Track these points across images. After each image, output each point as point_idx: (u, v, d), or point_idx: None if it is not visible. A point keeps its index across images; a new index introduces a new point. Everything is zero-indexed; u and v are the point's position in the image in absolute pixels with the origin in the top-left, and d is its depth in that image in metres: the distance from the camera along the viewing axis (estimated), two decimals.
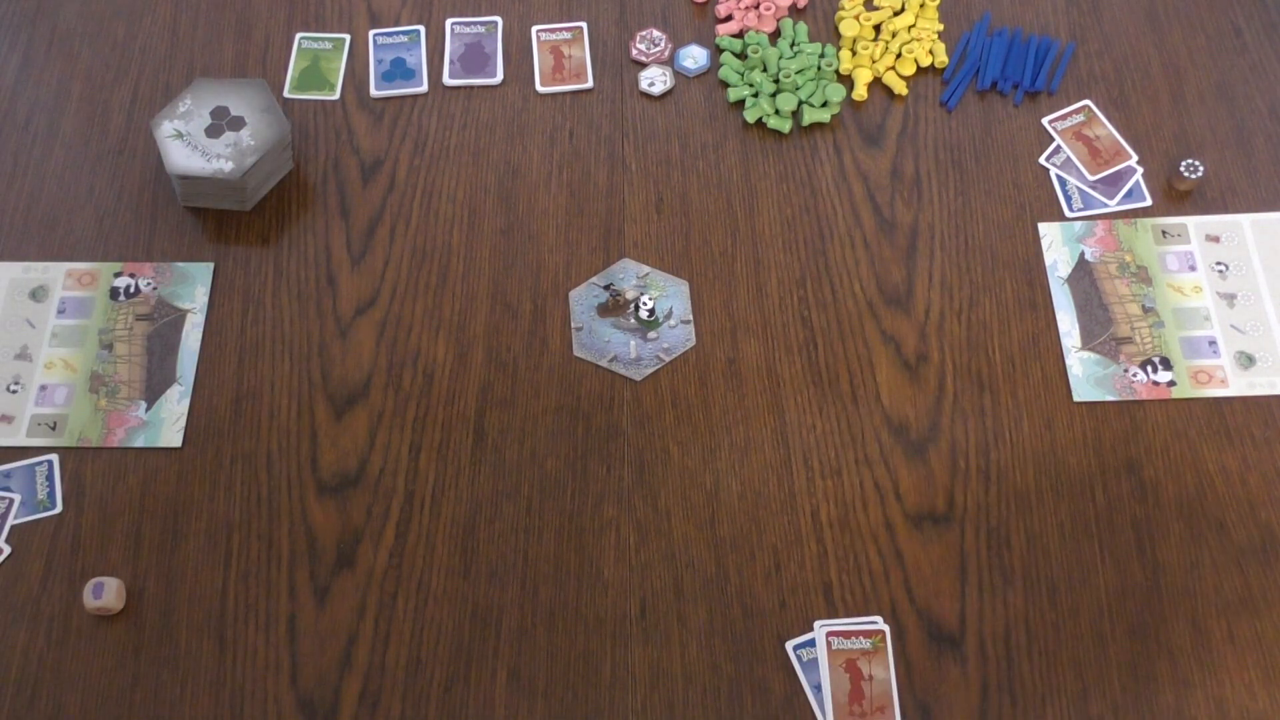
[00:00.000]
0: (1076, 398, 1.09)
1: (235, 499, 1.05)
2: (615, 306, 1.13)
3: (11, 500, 1.04)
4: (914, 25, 1.28)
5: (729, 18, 1.30)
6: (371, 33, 1.29)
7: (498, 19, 1.30)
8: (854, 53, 1.27)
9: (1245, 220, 1.17)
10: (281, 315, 1.13)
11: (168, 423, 1.08)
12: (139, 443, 1.07)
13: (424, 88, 1.26)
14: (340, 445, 1.07)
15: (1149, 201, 1.18)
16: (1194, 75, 1.26)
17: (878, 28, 1.29)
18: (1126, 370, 1.10)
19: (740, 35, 1.29)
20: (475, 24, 1.29)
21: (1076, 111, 1.24)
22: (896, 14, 1.29)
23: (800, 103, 1.23)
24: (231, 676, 0.98)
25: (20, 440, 1.07)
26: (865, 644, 0.98)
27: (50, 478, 1.05)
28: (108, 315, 1.13)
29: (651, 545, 1.03)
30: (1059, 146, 1.22)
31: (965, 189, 1.19)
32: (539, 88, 1.26)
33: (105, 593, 0.99)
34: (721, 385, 1.10)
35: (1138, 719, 0.96)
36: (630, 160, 1.21)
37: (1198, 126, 1.23)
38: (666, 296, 1.14)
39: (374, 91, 1.25)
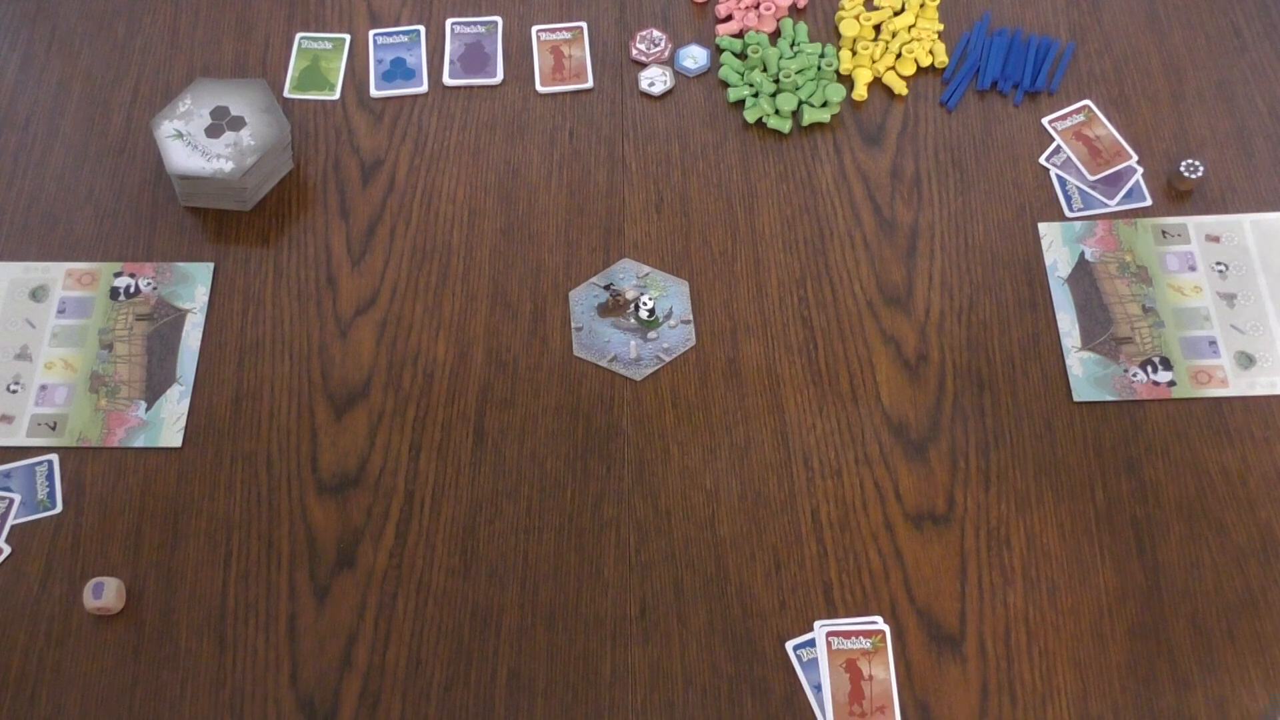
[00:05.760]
0: (1076, 398, 1.09)
1: (235, 499, 1.05)
2: (615, 306, 1.13)
3: (11, 500, 1.04)
4: (914, 25, 1.28)
5: (729, 18, 1.30)
6: (371, 33, 1.29)
7: (498, 19, 1.30)
8: (854, 53, 1.27)
9: (1245, 220, 1.17)
10: (281, 315, 1.13)
11: (168, 423, 1.08)
12: (139, 443, 1.07)
13: (424, 88, 1.26)
14: (340, 445, 1.07)
15: (1149, 201, 1.18)
16: (1194, 75, 1.26)
17: (878, 28, 1.29)
18: (1126, 370, 1.10)
19: (740, 35, 1.29)
20: (475, 24, 1.29)
21: (1076, 111, 1.24)
22: (896, 14, 1.29)
23: (800, 103, 1.23)
24: (231, 676, 0.98)
25: (20, 440, 1.07)
26: (865, 644, 0.98)
27: (50, 478, 1.05)
28: (108, 315, 1.13)
29: (651, 545, 1.03)
30: (1059, 146, 1.22)
31: (965, 189, 1.19)
32: (539, 88, 1.26)
33: (105, 593, 0.99)
34: (721, 385, 1.10)
35: (1137, 719, 0.96)
36: (630, 160, 1.21)
37: (1198, 126, 1.23)
38: (666, 296, 1.14)
39: (374, 91, 1.25)
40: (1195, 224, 1.17)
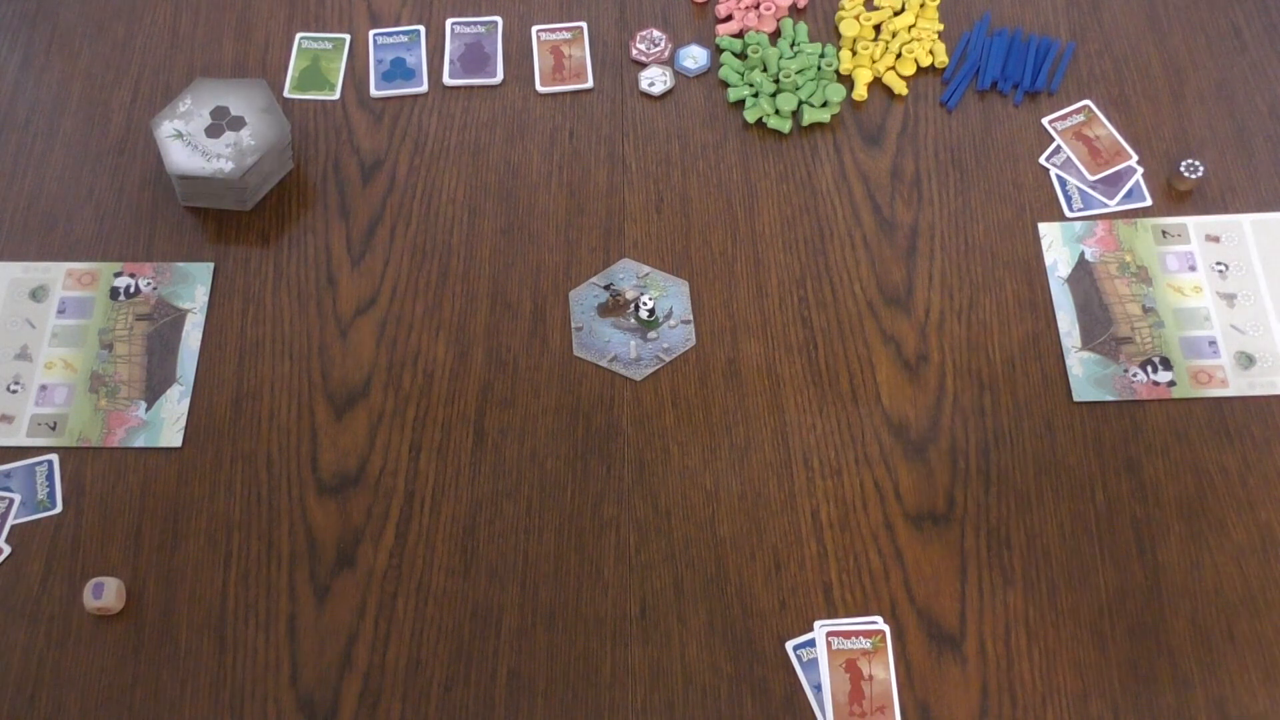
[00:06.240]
0: (1076, 398, 1.09)
1: (235, 499, 1.05)
2: (615, 306, 1.13)
3: (11, 500, 1.04)
4: (914, 25, 1.28)
5: (729, 18, 1.30)
6: (371, 33, 1.29)
7: (498, 19, 1.30)
8: (854, 53, 1.27)
9: (1245, 220, 1.17)
10: (281, 315, 1.13)
11: (168, 423, 1.08)
12: (139, 443, 1.07)
13: (424, 88, 1.26)
14: (340, 445, 1.07)
15: (1149, 201, 1.18)
16: (1194, 75, 1.26)
17: (878, 28, 1.29)
18: (1126, 370, 1.10)
19: (740, 35, 1.29)
20: (475, 24, 1.29)
21: (1076, 111, 1.24)
22: (896, 14, 1.29)
23: (800, 103, 1.23)
24: (231, 676, 0.98)
25: (20, 440, 1.07)
26: (865, 644, 0.98)
27: (50, 478, 1.05)
28: (108, 315, 1.13)
29: (651, 545, 1.03)
30: (1059, 146, 1.22)
31: (965, 189, 1.19)
32: (539, 88, 1.26)
33: (105, 593, 0.99)
34: (721, 385, 1.10)
35: (1137, 719, 0.96)
36: (630, 160, 1.21)
37: (1198, 126, 1.23)
38: (666, 296, 1.14)
39: (374, 91, 1.25)
40: (1195, 224, 1.17)
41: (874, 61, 1.26)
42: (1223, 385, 1.09)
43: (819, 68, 1.25)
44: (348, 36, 1.29)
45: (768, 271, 1.15)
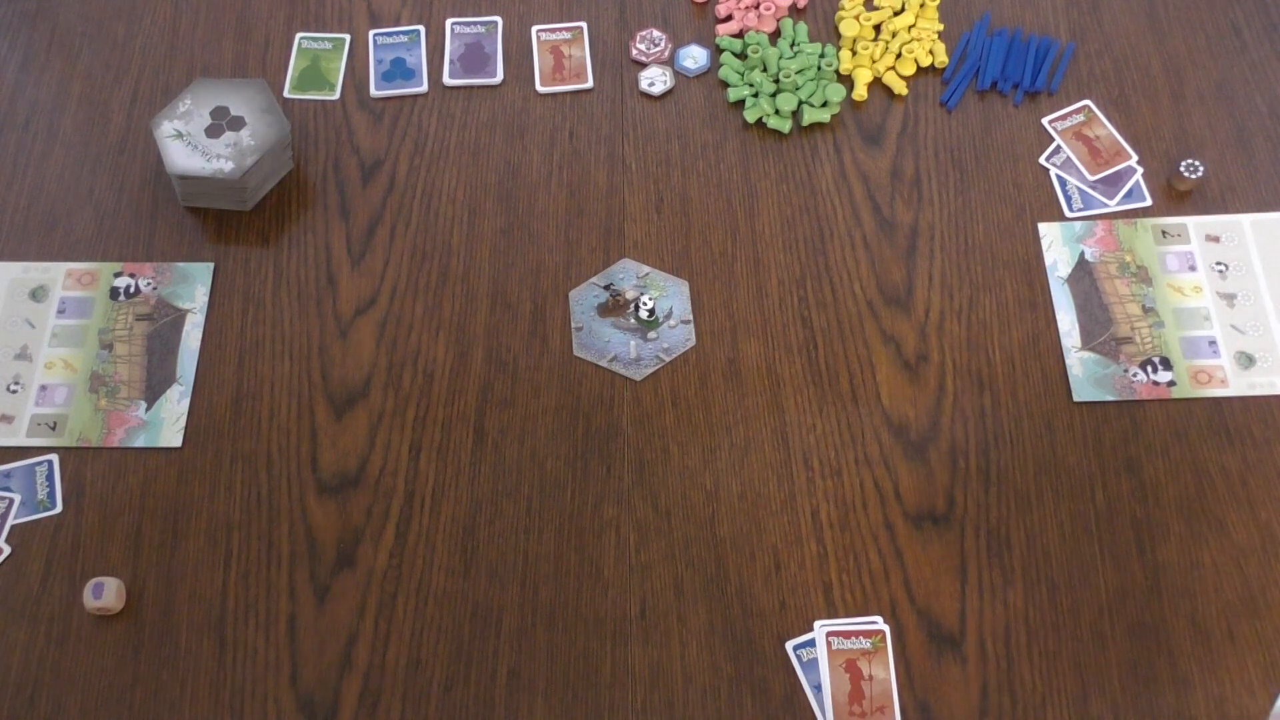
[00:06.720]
0: (1076, 398, 1.09)
1: (235, 499, 1.05)
2: (615, 306, 1.13)
3: (11, 500, 1.04)
4: (914, 25, 1.28)
5: (729, 18, 1.30)
6: (371, 33, 1.29)
7: (498, 19, 1.30)
8: (854, 53, 1.27)
9: (1245, 220, 1.17)
10: (281, 315, 1.13)
11: (168, 423, 1.08)
12: (139, 443, 1.07)
13: (424, 88, 1.26)
14: (340, 445, 1.07)
15: (1149, 201, 1.18)
16: (1194, 75, 1.26)
17: (878, 28, 1.29)
18: (1126, 370, 1.10)
19: (740, 35, 1.29)
20: (475, 24, 1.29)
21: (1076, 111, 1.24)
22: (896, 14, 1.29)
23: (800, 103, 1.23)
24: (231, 676, 0.98)
25: (20, 440, 1.07)
26: (865, 644, 0.98)
27: (50, 478, 1.05)
28: (108, 315, 1.13)
29: (651, 545, 1.03)
30: (1059, 146, 1.22)
31: (965, 189, 1.19)
32: (539, 88, 1.26)
33: (105, 593, 0.99)
34: (721, 385, 1.10)
35: (1137, 719, 0.96)
36: (630, 160, 1.21)
37: (1198, 126, 1.23)
38: (666, 296, 1.14)
39: (374, 91, 1.25)
40: (1195, 224, 1.17)
41: (874, 61, 1.26)
42: (1223, 385, 1.09)
43: (819, 68, 1.25)
44: (348, 36, 1.29)
45: (768, 271, 1.15)
